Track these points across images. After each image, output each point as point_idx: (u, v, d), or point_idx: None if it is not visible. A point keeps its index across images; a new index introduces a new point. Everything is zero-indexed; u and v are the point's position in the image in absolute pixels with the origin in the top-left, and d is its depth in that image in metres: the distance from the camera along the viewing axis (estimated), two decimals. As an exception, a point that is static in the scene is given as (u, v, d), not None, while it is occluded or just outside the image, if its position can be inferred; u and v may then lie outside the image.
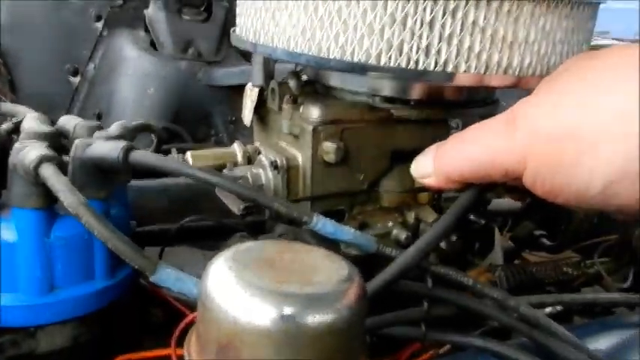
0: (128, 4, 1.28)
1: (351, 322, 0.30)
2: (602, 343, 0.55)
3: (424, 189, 0.61)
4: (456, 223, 0.44)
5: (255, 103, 0.66)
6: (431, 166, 0.46)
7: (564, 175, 0.37)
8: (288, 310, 0.29)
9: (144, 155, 0.47)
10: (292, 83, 0.60)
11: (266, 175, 0.59)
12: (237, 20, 0.63)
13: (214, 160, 0.67)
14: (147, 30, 1.26)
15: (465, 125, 0.59)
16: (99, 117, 1.23)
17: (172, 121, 1.18)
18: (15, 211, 0.46)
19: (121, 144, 0.47)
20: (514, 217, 0.81)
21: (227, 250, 0.33)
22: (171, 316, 0.55)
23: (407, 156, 0.61)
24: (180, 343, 0.41)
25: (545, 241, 0.81)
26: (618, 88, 0.36)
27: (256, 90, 0.65)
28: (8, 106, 0.64)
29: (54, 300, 0.47)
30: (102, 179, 0.49)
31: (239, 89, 1.22)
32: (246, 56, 1.31)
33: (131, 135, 0.60)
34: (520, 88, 0.50)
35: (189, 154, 0.66)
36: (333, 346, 0.30)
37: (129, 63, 1.20)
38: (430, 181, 0.46)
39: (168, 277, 0.38)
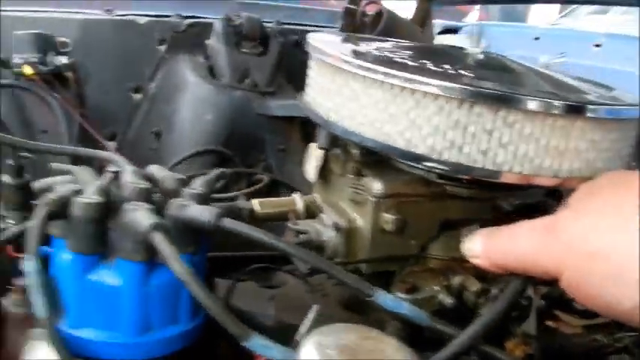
0: (189, 30, 1.37)
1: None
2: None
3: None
4: (506, 310, 0.51)
5: (320, 164, 0.72)
6: (480, 250, 0.52)
7: (596, 290, 0.43)
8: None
9: (233, 223, 0.54)
10: (355, 153, 0.67)
11: (327, 233, 0.66)
12: (308, 90, 0.71)
13: (278, 207, 0.74)
14: (206, 57, 1.35)
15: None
16: (158, 135, 1.32)
17: (225, 146, 1.26)
18: (120, 262, 0.54)
19: (215, 211, 0.54)
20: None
21: (315, 334, 0.40)
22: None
23: (454, 224, 0.68)
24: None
25: (577, 305, 0.86)
26: None
27: (321, 152, 0.72)
28: (102, 154, 0.72)
29: (148, 340, 0.54)
30: (193, 236, 0.57)
31: (290, 120, 1.31)
32: (297, 89, 1.39)
33: (211, 187, 0.67)
34: (563, 187, 0.56)
35: (256, 201, 0.74)
36: None
37: (188, 88, 1.29)
38: (477, 262, 0.53)
39: (258, 344, 0.45)
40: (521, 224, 0.50)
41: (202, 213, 0.55)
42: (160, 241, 0.50)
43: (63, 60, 1.23)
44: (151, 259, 0.55)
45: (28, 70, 1.19)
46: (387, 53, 0.68)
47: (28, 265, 0.50)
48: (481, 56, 0.70)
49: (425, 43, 1.41)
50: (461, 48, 0.76)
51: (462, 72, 0.60)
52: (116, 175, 0.64)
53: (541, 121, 0.51)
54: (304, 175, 0.77)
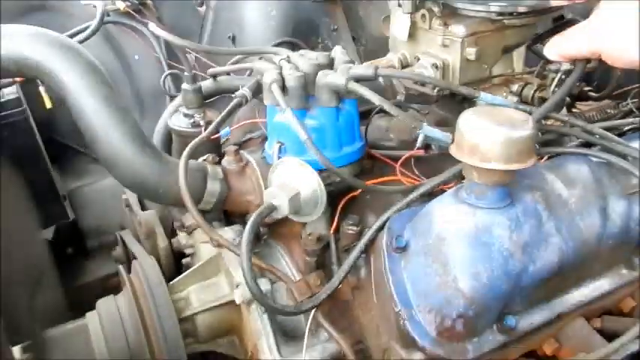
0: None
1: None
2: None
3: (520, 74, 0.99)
4: (577, 80, 0.84)
5: (409, 24, 1.01)
6: (553, 48, 0.85)
7: (620, 52, 0.76)
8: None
9: (391, 72, 0.85)
10: (436, 9, 0.96)
11: (428, 72, 0.98)
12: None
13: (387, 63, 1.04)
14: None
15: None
16: (233, 39, 1.58)
17: (291, 35, 1.53)
18: (321, 109, 0.86)
19: (371, 68, 0.85)
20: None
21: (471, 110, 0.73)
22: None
23: (510, 49, 0.99)
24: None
25: (592, 94, 1.20)
26: None
27: (408, 15, 1.00)
28: (270, 49, 1.00)
29: (343, 154, 0.89)
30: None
31: (335, 2, 1.55)
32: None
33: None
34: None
35: (370, 62, 1.03)
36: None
37: (249, -6, 1.53)
38: (553, 57, 0.86)
39: (427, 129, 0.79)
40: (572, 28, 0.82)
41: (366, 69, 0.86)
42: (358, 87, 0.81)
43: (143, -8, 1.46)
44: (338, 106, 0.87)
45: (120, 4, 1.42)
46: None
47: (285, 115, 0.83)
48: None
49: None
50: None
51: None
52: (287, 58, 0.92)
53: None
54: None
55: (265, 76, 0.86)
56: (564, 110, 1.11)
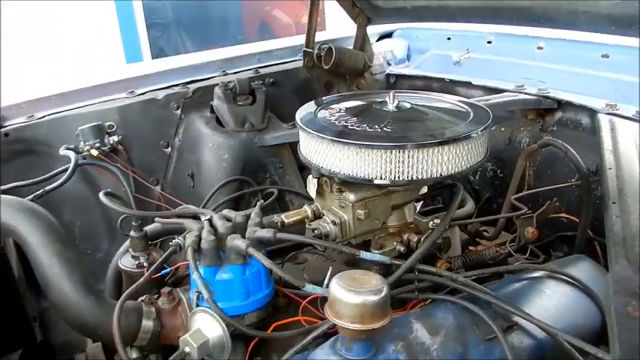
0: (195, 95, 1.85)
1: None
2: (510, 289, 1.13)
3: (410, 223, 1.20)
4: (429, 246, 1.03)
5: (316, 187, 1.23)
6: None
7: None
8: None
9: (285, 235, 1.05)
10: (336, 180, 1.18)
11: (330, 227, 1.18)
12: (303, 148, 1.20)
13: (297, 216, 1.25)
14: (212, 112, 1.84)
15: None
16: (192, 176, 1.81)
17: (241, 174, 1.76)
18: (230, 266, 1.05)
19: (272, 230, 1.05)
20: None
21: (334, 278, 0.92)
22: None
23: (399, 206, 1.20)
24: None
25: (486, 233, 1.40)
26: None
27: (316, 180, 1.23)
28: (192, 209, 1.21)
29: (249, 302, 1.06)
30: (263, 245, 1.08)
31: (282, 145, 1.81)
32: (280, 117, 1.89)
33: (261, 214, 1.17)
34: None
35: (283, 215, 1.24)
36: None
37: (207, 138, 1.78)
38: None
39: (309, 287, 0.96)
40: None
41: (267, 233, 1.06)
42: (254, 252, 1.00)
43: (114, 138, 1.71)
44: (245, 262, 1.06)
45: (94, 152, 1.66)
46: (341, 122, 1.18)
47: (195, 275, 1.01)
48: (394, 109, 1.20)
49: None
50: (383, 102, 1.25)
51: (384, 128, 1.11)
52: (210, 220, 1.13)
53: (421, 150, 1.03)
54: (303, 187, 1.28)
55: (187, 238, 1.06)
56: (457, 249, 1.30)
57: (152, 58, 5.39)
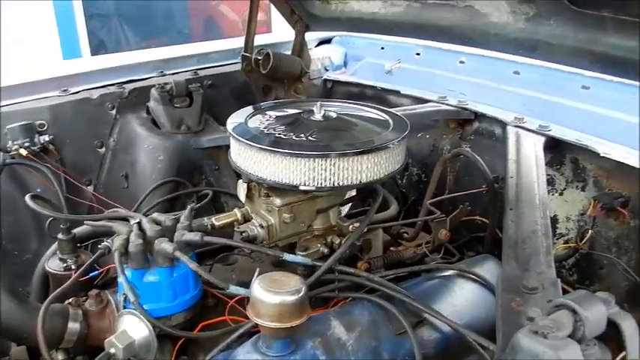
0: (131, 94, 1.85)
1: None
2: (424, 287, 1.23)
3: (334, 226, 1.27)
4: (346, 248, 1.11)
5: (246, 191, 1.28)
6: None
7: None
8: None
9: (212, 238, 1.10)
10: (263, 185, 1.24)
11: (257, 230, 1.23)
12: (233, 154, 1.25)
13: (227, 219, 1.29)
14: (148, 112, 1.84)
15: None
16: (127, 177, 1.81)
17: (176, 175, 1.78)
18: (157, 269, 1.09)
19: (200, 233, 1.09)
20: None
21: (258, 279, 0.98)
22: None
23: (324, 210, 1.27)
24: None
25: (406, 235, 1.50)
26: None
27: (245, 184, 1.28)
28: (127, 213, 1.23)
29: (176, 303, 1.10)
30: (191, 248, 1.12)
31: (218, 148, 1.84)
32: (217, 119, 1.92)
33: (191, 217, 1.21)
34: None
35: (213, 219, 1.28)
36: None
37: (142, 139, 1.79)
38: None
39: (233, 288, 1.02)
40: None
41: (194, 236, 1.10)
42: (180, 255, 1.04)
43: (45, 138, 1.68)
44: (172, 265, 1.09)
45: (23, 151, 1.63)
46: (270, 130, 1.23)
47: (121, 278, 1.04)
48: (321, 118, 1.27)
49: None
50: (311, 111, 1.31)
51: (309, 137, 1.18)
52: (139, 223, 1.16)
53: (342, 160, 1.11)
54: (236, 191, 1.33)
55: (114, 241, 1.08)
56: (379, 250, 1.39)
57: (90, 51, 5.23)
